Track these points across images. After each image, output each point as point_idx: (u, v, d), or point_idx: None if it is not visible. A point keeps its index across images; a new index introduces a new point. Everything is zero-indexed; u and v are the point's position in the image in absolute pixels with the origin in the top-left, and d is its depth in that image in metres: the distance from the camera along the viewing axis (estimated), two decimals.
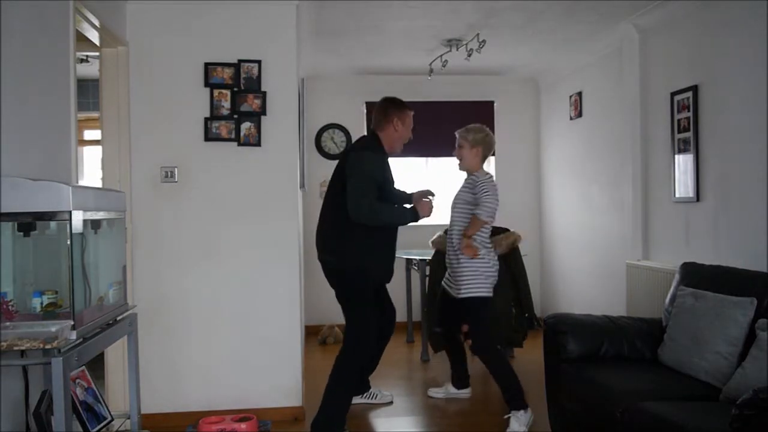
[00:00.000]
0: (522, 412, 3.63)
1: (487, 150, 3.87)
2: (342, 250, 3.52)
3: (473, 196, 3.75)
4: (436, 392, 4.35)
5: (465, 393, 4.32)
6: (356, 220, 3.39)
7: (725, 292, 3.04)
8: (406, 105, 3.74)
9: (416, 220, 3.55)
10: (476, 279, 3.73)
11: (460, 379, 4.33)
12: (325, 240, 3.61)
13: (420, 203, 3.59)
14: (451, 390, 4.33)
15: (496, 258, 3.84)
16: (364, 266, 3.51)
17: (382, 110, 3.69)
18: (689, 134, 4.12)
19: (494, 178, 4.07)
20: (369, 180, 3.43)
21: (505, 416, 3.66)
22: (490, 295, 3.77)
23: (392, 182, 3.74)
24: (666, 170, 4.42)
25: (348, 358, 3.53)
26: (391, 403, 4.21)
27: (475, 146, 3.82)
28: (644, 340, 3.34)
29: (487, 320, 3.81)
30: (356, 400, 3.95)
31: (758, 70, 3.48)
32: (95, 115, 5.77)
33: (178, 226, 3.84)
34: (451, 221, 3.87)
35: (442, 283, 4.06)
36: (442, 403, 4.23)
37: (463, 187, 3.89)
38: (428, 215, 3.59)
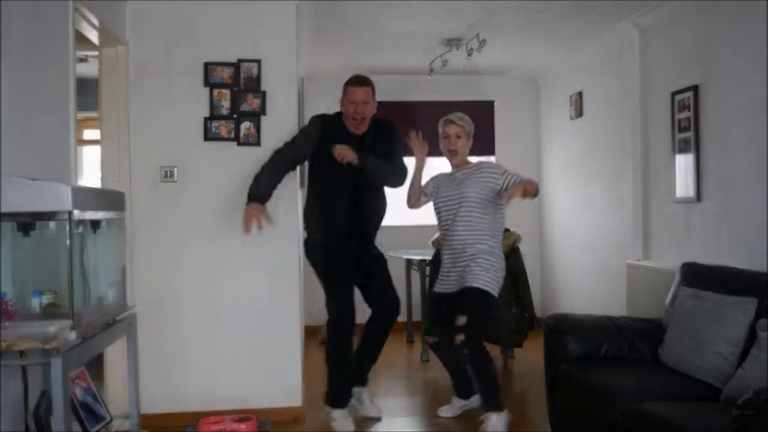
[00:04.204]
0: (501, 413, 3.45)
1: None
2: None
3: (492, 185, 3.54)
4: (447, 411, 3.95)
5: (476, 400, 3.83)
6: None
7: (725, 292, 3.03)
8: (349, 80, 3.71)
9: (255, 199, 3.54)
10: (487, 274, 3.50)
11: (466, 386, 3.85)
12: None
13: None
14: (462, 402, 3.95)
15: (503, 264, 3.63)
16: (309, 235, 3.83)
17: None
18: (689, 134, 4.12)
19: None
20: (290, 141, 3.71)
21: (481, 417, 3.50)
22: (495, 295, 3.53)
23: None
24: (666, 170, 4.42)
25: (328, 328, 3.78)
26: (379, 419, 3.89)
27: (469, 138, 3.68)
28: (644, 340, 3.34)
29: (488, 318, 3.60)
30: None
31: (758, 70, 3.47)
32: (95, 114, 5.74)
33: (177, 226, 3.83)
34: (457, 216, 3.58)
35: (435, 289, 3.81)
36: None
37: (463, 180, 3.62)
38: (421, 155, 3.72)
